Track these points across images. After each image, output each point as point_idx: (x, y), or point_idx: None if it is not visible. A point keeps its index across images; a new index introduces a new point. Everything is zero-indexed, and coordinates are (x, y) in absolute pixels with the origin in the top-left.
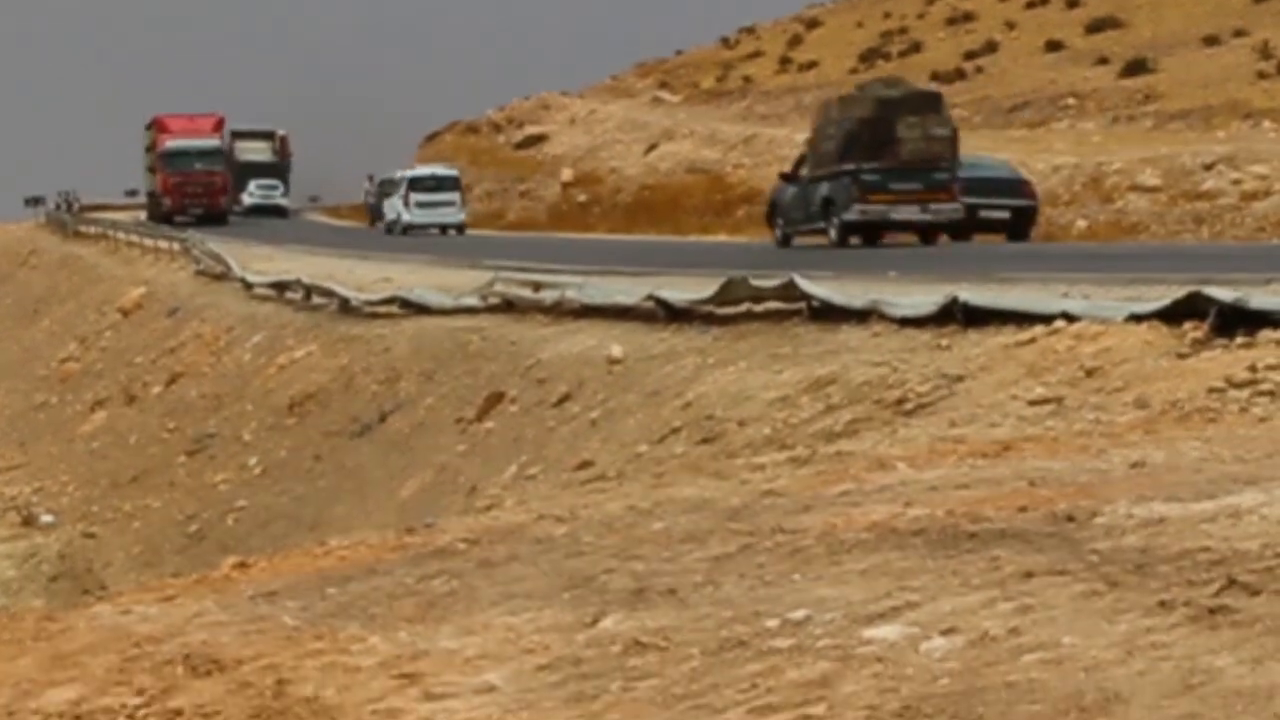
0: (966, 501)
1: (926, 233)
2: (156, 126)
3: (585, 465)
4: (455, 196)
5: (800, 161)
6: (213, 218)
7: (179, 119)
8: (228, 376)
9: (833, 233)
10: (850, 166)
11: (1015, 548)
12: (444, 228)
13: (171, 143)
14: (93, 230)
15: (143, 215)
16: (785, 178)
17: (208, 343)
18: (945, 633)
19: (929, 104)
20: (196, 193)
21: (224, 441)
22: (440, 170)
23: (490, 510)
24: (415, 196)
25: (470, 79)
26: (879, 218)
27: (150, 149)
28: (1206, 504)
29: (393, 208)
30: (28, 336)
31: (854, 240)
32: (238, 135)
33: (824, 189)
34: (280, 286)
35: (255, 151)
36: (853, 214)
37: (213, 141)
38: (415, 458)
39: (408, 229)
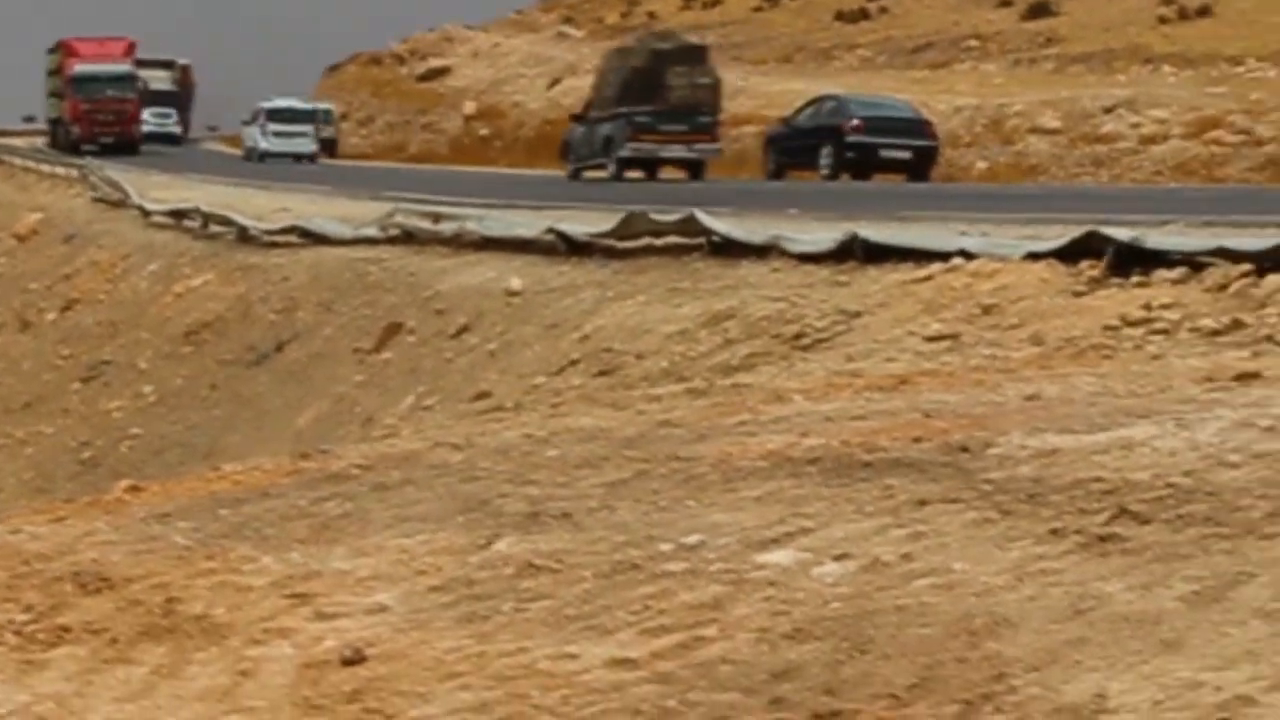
0: (862, 432)
1: (695, 168)
2: (64, 50)
3: (483, 396)
4: (309, 128)
5: (588, 105)
6: (124, 146)
7: (89, 43)
8: (124, 304)
9: (611, 167)
10: (625, 109)
11: (909, 477)
12: (298, 156)
13: (81, 67)
14: None
15: (39, 142)
16: (575, 119)
17: (104, 270)
18: (838, 558)
19: (696, 55)
20: (108, 120)
21: (119, 369)
22: (296, 103)
23: (387, 439)
24: (272, 126)
25: (374, 10)
26: (650, 154)
27: (55, 73)
28: (1099, 436)
29: (251, 136)
30: None
31: (630, 174)
32: (139, 64)
33: (605, 129)
34: (178, 214)
35: (156, 80)
36: (627, 151)
37: (124, 67)
38: (312, 387)
39: (264, 156)
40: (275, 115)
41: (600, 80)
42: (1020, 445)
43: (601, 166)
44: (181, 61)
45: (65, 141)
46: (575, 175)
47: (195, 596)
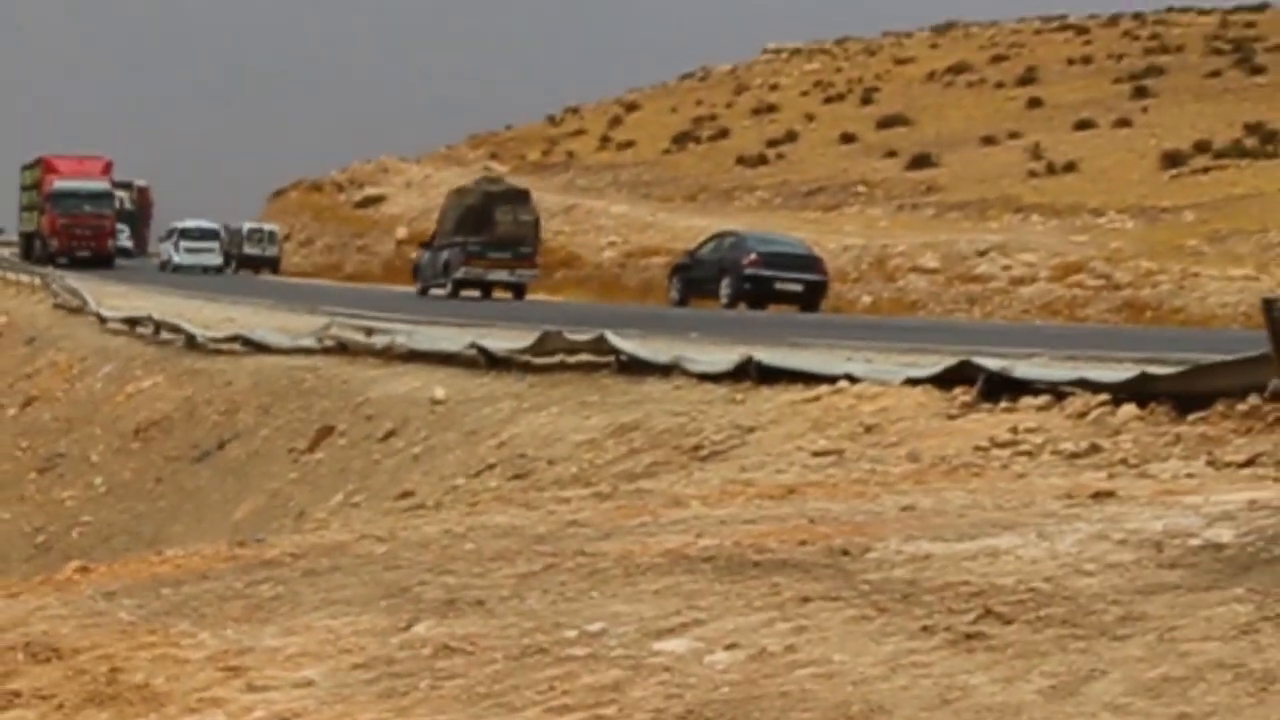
0: (752, 535)
1: (517, 289)
2: (43, 167)
3: (406, 495)
4: (214, 244)
5: (433, 235)
6: (100, 260)
7: (68, 160)
8: (79, 402)
9: (449, 286)
10: (460, 239)
11: (794, 576)
12: (205, 268)
13: (60, 183)
14: None
15: (7, 253)
16: (423, 246)
17: (62, 370)
18: (728, 648)
19: (520, 197)
20: (85, 235)
21: (73, 461)
22: (204, 224)
23: (317, 531)
24: (183, 243)
25: (315, 142)
26: (478, 278)
27: (31, 188)
28: (968, 544)
29: (166, 250)
30: None
31: (465, 293)
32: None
33: (444, 255)
34: (132, 322)
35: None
36: (460, 274)
37: (102, 184)
38: (250, 483)
39: (176, 268)
40: (186, 234)
41: (443, 215)
42: (896, 550)
43: (442, 286)
44: (139, 183)
45: (42, 254)
46: (423, 293)
47: (137, 667)
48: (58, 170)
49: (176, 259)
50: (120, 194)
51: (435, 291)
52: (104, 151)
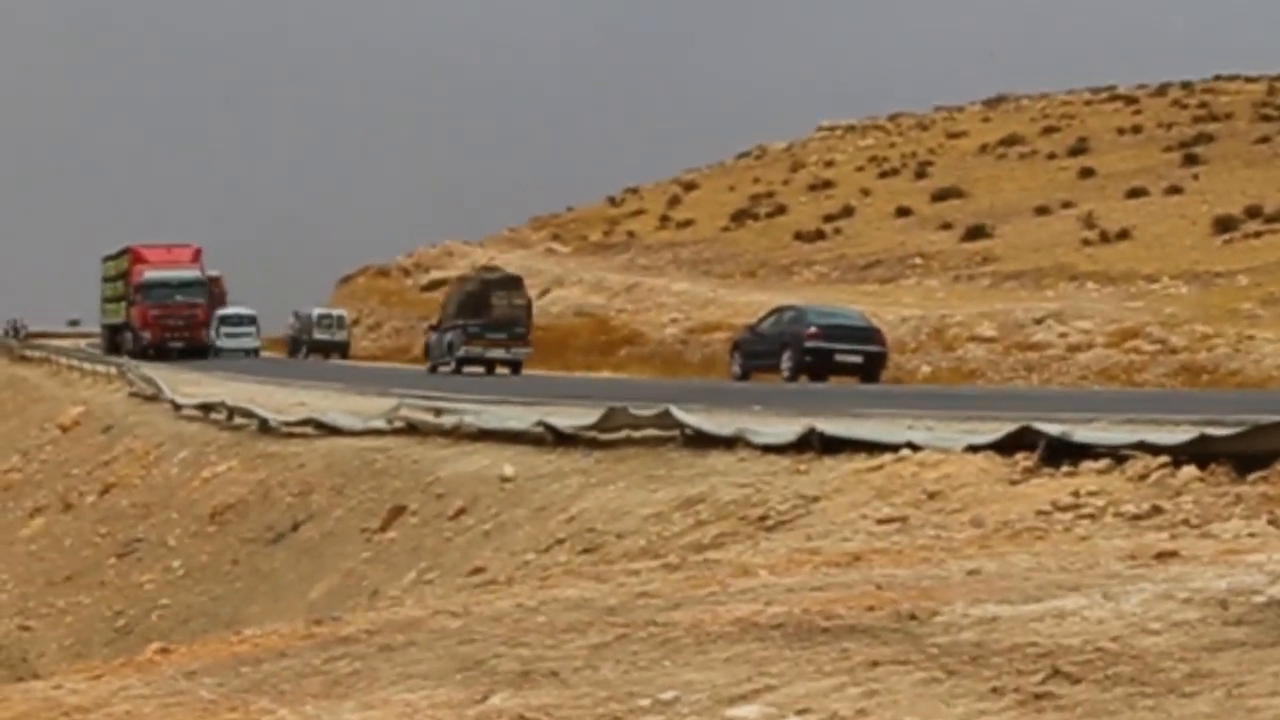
0: (820, 602)
1: (514, 366)
2: (131, 257)
3: (478, 571)
4: (252, 329)
5: (440, 319)
6: (195, 351)
7: (156, 250)
8: (156, 488)
9: (453, 364)
10: (461, 322)
11: (863, 641)
12: (246, 351)
13: (151, 274)
14: (37, 355)
15: (84, 344)
16: (432, 328)
17: (139, 457)
18: (800, 713)
19: (514, 284)
20: (178, 326)
21: (151, 546)
22: (242, 310)
23: (391, 608)
24: (224, 329)
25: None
26: (478, 356)
27: (115, 279)
28: (1034, 606)
29: (210, 336)
30: None
31: (467, 369)
32: None
33: (449, 336)
34: (206, 408)
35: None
36: (462, 352)
37: (193, 272)
38: (324, 563)
39: (218, 351)
40: (225, 320)
41: (447, 301)
42: (963, 614)
43: (448, 364)
44: (212, 273)
45: (134, 348)
46: (433, 370)
47: None
48: (147, 260)
49: (219, 343)
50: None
51: (442, 369)
52: (177, 238)
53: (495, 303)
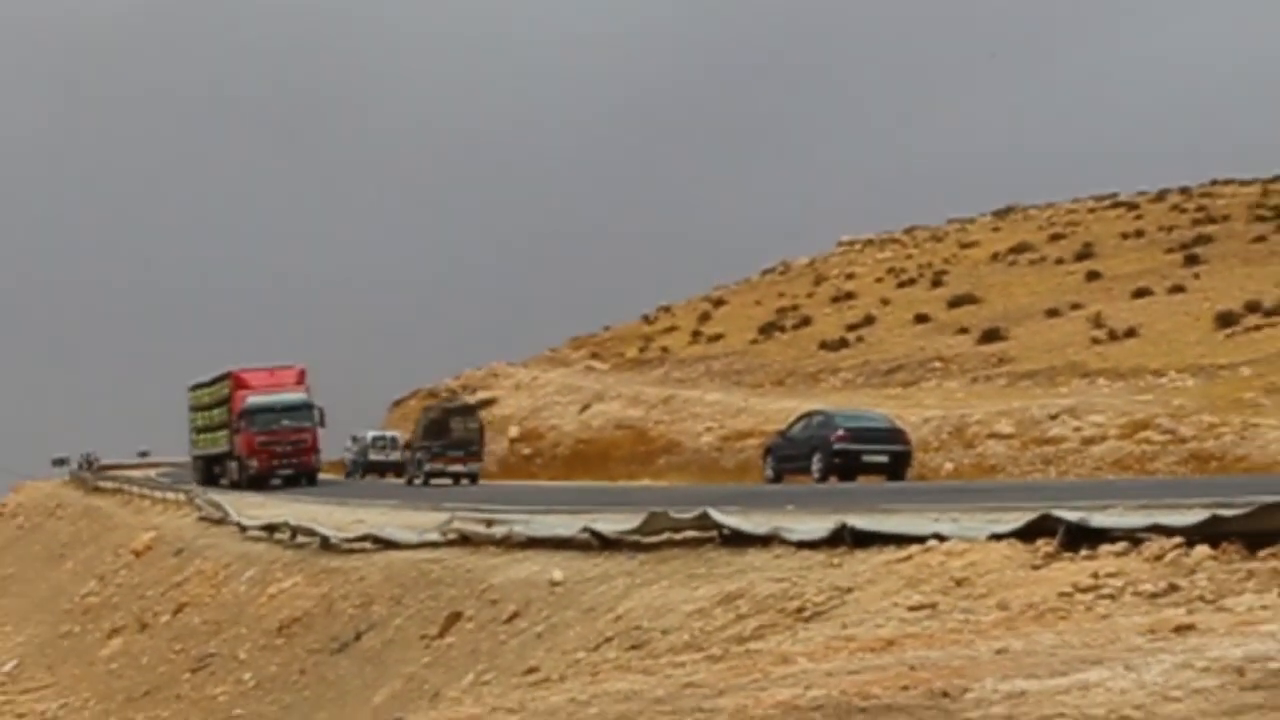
0: (857, 684)
1: (471, 477)
2: (233, 383)
3: (532, 670)
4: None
5: (410, 439)
6: (305, 477)
7: (259, 373)
8: (226, 605)
9: (420, 479)
10: (427, 443)
11: (899, 718)
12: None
13: (254, 399)
14: (110, 485)
15: (153, 474)
16: (406, 447)
17: (209, 577)
18: None
19: (470, 411)
20: (286, 452)
21: (223, 660)
22: None
23: (452, 708)
24: None
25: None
26: (440, 470)
27: (210, 408)
28: (1060, 680)
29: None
30: (55, 576)
31: (434, 481)
32: None
33: (418, 455)
34: (270, 528)
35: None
36: (428, 467)
37: (300, 395)
38: (387, 669)
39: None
40: None
41: (417, 425)
42: (993, 689)
43: (418, 477)
44: None
45: (240, 478)
46: (409, 483)
47: None
48: (249, 385)
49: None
50: None
51: (415, 481)
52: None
53: (454, 426)
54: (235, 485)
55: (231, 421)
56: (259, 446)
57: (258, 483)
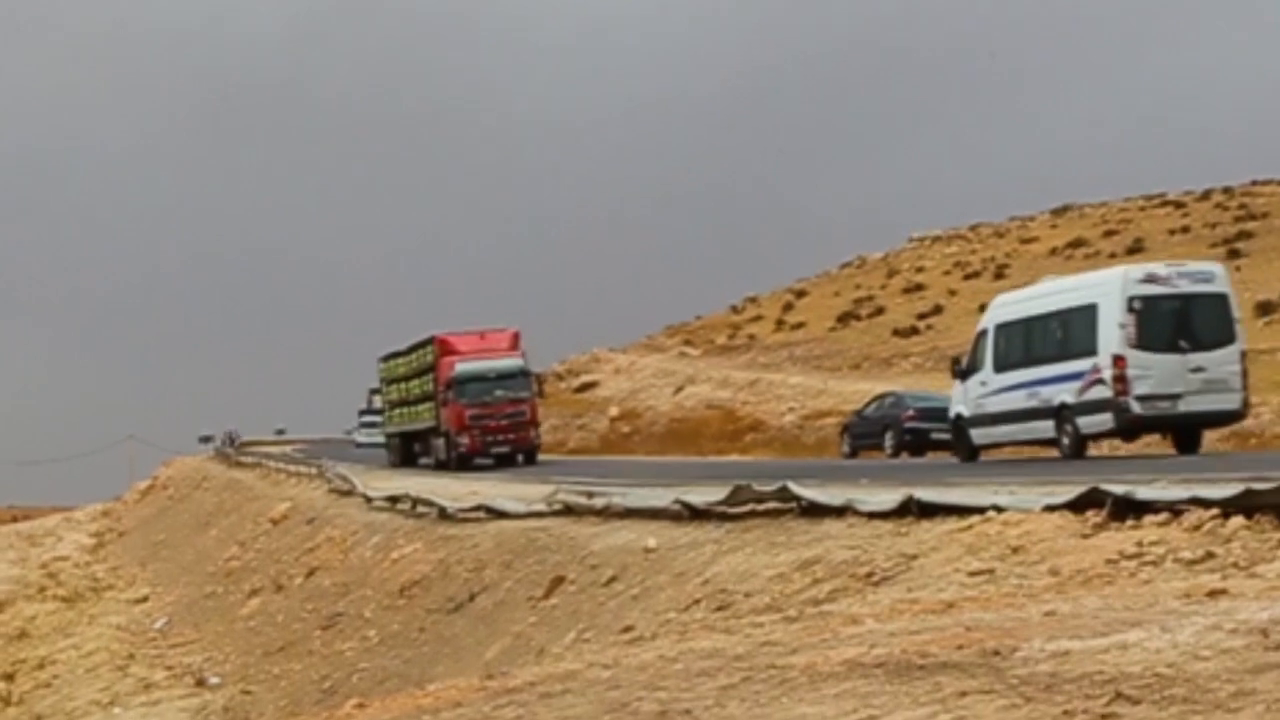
0: (917, 643)
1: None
2: (437, 348)
3: (628, 629)
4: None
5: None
6: (520, 455)
7: (467, 337)
8: (353, 569)
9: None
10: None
11: (953, 675)
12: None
13: (464, 366)
14: (249, 460)
15: (289, 449)
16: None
17: (338, 543)
18: None
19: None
20: (501, 426)
21: (350, 619)
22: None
23: (554, 662)
24: (362, 428)
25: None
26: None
27: (407, 379)
28: (1101, 640)
29: (355, 434)
30: (200, 542)
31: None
32: (374, 392)
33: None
34: (393, 499)
35: None
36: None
37: (515, 360)
38: (497, 628)
39: (360, 445)
40: (364, 416)
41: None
42: (1040, 649)
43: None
44: None
45: (448, 457)
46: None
47: None
48: (456, 350)
49: (358, 439)
50: None
51: (422, 461)
52: (356, 357)
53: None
54: (441, 465)
55: (437, 393)
56: (470, 421)
57: (466, 462)
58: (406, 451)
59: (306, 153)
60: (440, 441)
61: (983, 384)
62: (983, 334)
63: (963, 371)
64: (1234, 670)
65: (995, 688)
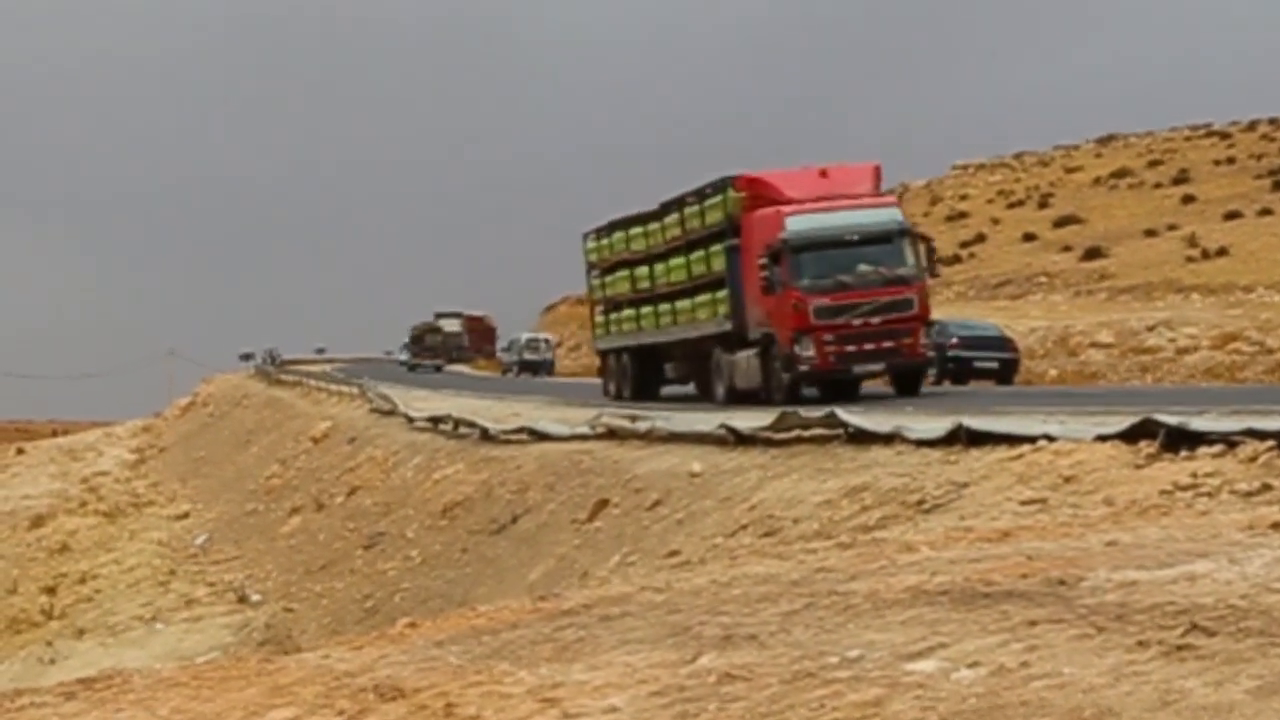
0: (979, 571)
1: (439, 368)
2: (746, 196)
3: (674, 554)
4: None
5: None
6: (906, 376)
7: (800, 175)
8: (395, 489)
9: (408, 367)
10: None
11: (1020, 604)
12: (436, 368)
13: (799, 221)
14: (290, 379)
15: (329, 368)
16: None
17: (379, 463)
18: (970, 665)
19: (437, 329)
20: (872, 328)
21: (392, 539)
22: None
23: (602, 586)
24: (411, 348)
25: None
26: (419, 364)
27: (640, 260)
28: (1168, 571)
29: (402, 354)
30: (241, 460)
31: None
32: (440, 315)
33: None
34: (435, 420)
35: (451, 327)
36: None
37: (889, 213)
38: (540, 550)
39: (411, 367)
40: (414, 339)
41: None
42: (1106, 579)
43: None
44: (471, 313)
45: (771, 383)
46: (412, 369)
47: (469, 702)
48: (781, 195)
49: (401, 358)
50: (454, 323)
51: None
52: (399, 287)
53: (429, 339)
54: (734, 398)
55: (741, 273)
56: (817, 319)
57: (796, 391)
58: (642, 378)
59: (357, 74)
60: (743, 358)
61: None
62: None
63: None
64: None
65: (1065, 617)
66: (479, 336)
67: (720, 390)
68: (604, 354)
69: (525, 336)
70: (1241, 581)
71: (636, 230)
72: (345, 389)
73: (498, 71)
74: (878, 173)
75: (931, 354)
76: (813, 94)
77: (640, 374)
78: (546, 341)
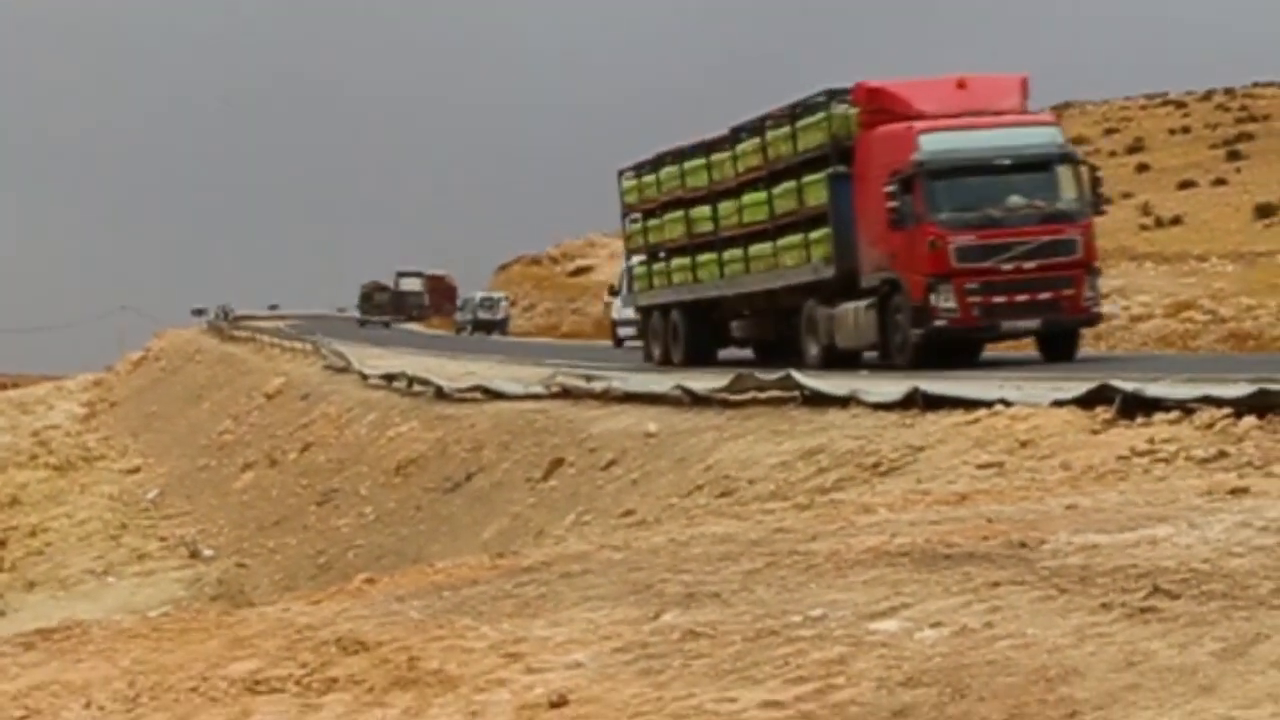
0: (939, 533)
1: (387, 324)
2: (865, 106)
3: (628, 514)
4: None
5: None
6: (1059, 337)
7: (932, 86)
8: (349, 446)
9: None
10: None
11: (982, 565)
12: (384, 324)
13: (936, 139)
14: (243, 334)
15: (282, 325)
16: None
17: (333, 420)
18: (934, 625)
19: (385, 288)
20: (1027, 274)
21: (345, 495)
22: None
23: (560, 544)
24: (361, 305)
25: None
26: (370, 321)
27: (709, 196)
28: (1129, 534)
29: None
30: (193, 415)
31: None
32: (401, 274)
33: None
34: (389, 378)
35: (411, 286)
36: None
37: (1047, 132)
38: (495, 508)
39: (363, 323)
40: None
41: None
42: (1067, 541)
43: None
44: (438, 272)
45: (894, 337)
46: (361, 325)
47: (432, 656)
48: (912, 108)
49: (360, 316)
50: (415, 282)
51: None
52: (340, 253)
53: (377, 298)
54: (844, 360)
55: (852, 207)
56: (959, 264)
57: (928, 352)
58: (700, 336)
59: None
60: (850, 310)
61: None
62: None
63: None
64: (1270, 567)
65: (1027, 579)
66: (439, 295)
67: (814, 351)
68: (646, 311)
69: (480, 295)
70: (1203, 545)
71: (696, 162)
72: (299, 345)
73: (469, 24)
74: (1025, 85)
75: (1097, 310)
76: (770, 51)
77: (694, 334)
78: (501, 300)
